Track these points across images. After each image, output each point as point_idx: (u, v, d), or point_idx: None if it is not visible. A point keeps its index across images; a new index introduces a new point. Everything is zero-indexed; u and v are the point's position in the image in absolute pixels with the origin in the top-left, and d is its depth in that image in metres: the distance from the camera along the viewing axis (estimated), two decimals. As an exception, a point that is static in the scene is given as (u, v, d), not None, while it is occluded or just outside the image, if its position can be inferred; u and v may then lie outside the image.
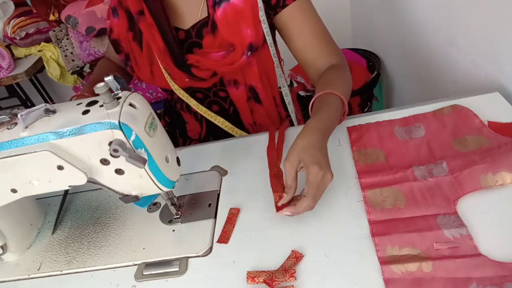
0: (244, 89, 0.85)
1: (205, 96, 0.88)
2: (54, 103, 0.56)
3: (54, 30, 1.74)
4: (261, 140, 0.80)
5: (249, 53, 0.75)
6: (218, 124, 0.89)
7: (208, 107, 0.89)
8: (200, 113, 0.88)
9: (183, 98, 0.86)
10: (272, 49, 0.82)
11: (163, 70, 0.81)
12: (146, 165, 0.52)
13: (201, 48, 0.80)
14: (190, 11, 0.79)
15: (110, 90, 0.50)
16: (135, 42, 0.80)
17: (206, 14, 0.78)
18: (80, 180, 0.53)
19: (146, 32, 0.77)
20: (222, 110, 0.90)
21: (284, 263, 0.56)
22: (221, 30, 0.74)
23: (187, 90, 0.86)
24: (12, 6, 1.83)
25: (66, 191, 0.78)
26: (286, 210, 0.58)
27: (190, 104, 0.87)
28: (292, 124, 0.94)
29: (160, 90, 1.73)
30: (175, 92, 0.85)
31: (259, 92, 0.86)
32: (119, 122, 0.49)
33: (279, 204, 0.60)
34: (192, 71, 0.78)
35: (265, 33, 0.77)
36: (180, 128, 1.00)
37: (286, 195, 0.59)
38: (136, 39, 0.80)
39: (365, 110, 1.60)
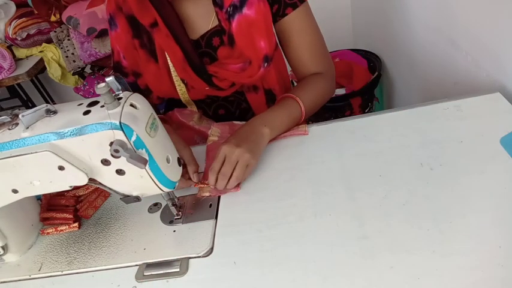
0: (263, 93, 0.86)
1: (212, 100, 0.89)
2: (55, 104, 0.57)
3: (55, 31, 1.74)
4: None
5: (265, 64, 0.76)
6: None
7: (215, 111, 0.90)
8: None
9: (189, 106, 0.87)
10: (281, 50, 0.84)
11: (176, 80, 0.81)
12: (147, 165, 0.52)
13: (213, 58, 0.80)
14: (200, 20, 0.78)
15: (111, 90, 0.50)
16: (143, 49, 0.79)
17: (216, 23, 0.78)
18: (81, 180, 0.53)
19: (163, 43, 0.76)
20: (228, 113, 0.90)
21: None
22: (238, 43, 0.75)
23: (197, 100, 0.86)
24: (13, 7, 1.84)
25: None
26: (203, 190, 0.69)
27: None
28: None
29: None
30: (183, 101, 0.86)
31: (276, 93, 0.88)
32: (120, 123, 0.49)
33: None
34: (212, 80, 0.78)
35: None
36: None
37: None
38: (145, 47, 0.79)
39: (366, 110, 1.60)
